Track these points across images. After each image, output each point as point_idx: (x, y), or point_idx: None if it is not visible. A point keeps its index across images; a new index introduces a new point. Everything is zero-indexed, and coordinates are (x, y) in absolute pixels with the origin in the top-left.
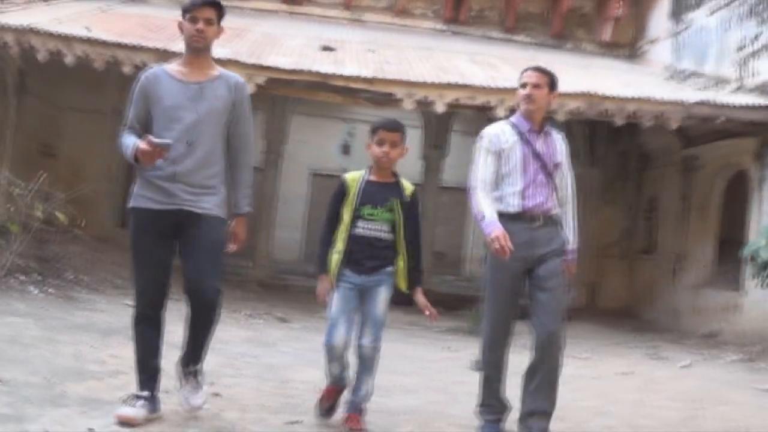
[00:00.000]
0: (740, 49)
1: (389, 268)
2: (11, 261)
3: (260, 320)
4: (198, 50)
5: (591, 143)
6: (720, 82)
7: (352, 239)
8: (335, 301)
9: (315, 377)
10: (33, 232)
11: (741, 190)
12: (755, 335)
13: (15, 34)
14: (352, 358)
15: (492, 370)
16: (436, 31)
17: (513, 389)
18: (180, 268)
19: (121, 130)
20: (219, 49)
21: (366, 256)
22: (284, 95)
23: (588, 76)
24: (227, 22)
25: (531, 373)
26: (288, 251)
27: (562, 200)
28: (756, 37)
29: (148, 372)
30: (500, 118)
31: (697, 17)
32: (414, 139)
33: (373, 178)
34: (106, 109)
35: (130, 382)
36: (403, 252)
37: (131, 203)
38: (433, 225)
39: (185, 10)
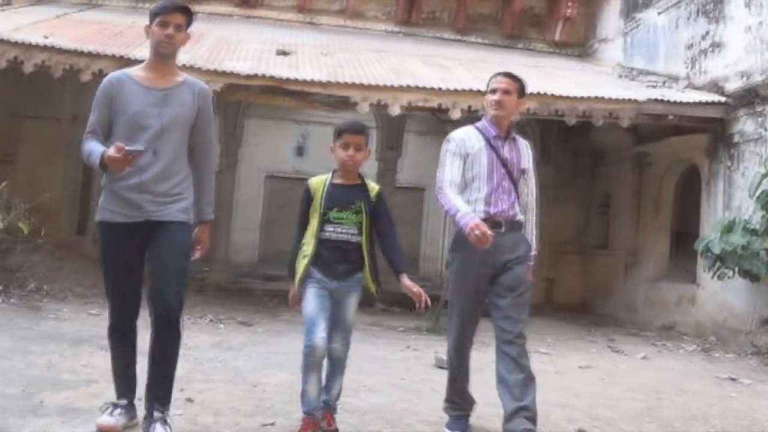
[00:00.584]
0: (690, 47)
1: (359, 275)
2: None
3: (223, 325)
4: (165, 56)
5: (543, 141)
6: (670, 79)
7: (321, 243)
8: (310, 301)
9: (284, 380)
10: None
11: (694, 185)
12: (711, 326)
13: None
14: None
15: (458, 369)
16: (388, 33)
17: (476, 385)
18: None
19: (84, 136)
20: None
21: (336, 260)
22: (239, 99)
23: (540, 76)
24: None
25: (505, 377)
26: (245, 254)
27: (525, 207)
28: (705, 36)
29: (124, 381)
30: (455, 120)
31: (648, 16)
32: (370, 140)
33: (338, 181)
34: (63, 116)
35: (104, 390)
36: (367, 256)
37: (98, 217)
38: None
39: (154, 14)
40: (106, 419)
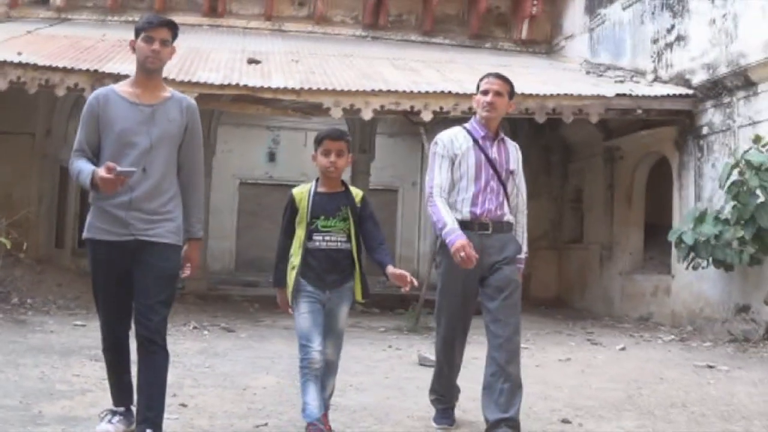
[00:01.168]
0: (655, 41)
1: (350, 283)
2: None
3: (207, 332)
4: (151, 71)
5: (514, 139)
6: (637, 74)
7: (310, 253)
8: (303, 316)
9: (271, 383)
10: None
11: (666, 177)
12: (687, 316)
13: None
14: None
15: (445, 366)
16: (356, 37)
17: (459, 381)
18: None
19: (72, 155)
20: None
21: (325, 270)
22: (212, 108)
23: (508, 74)
24: None
25: (491, 384)
26: (220, 261)
27: (515, 208)
28: (670, 29)
29: (121, 389)
30: (426, 122)
31: (612, 12)
32: (351, 146)
33: (321, 189)
34: (37, 131)
35: (100, 399)
36: (358, 263)
37: (86, 234)
38: None
39: (139, 29)
40: (106, 427)
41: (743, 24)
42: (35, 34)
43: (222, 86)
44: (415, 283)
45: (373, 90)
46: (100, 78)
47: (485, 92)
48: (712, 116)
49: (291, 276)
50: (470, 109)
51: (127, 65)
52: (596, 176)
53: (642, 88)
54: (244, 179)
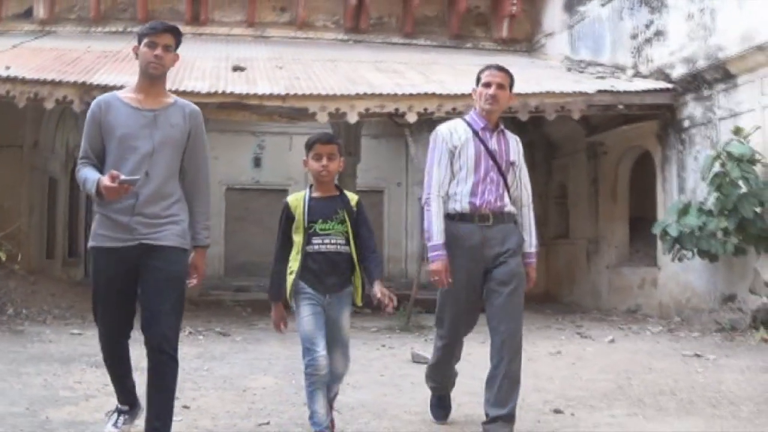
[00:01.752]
0: (634, 36)
1: (349, 288)
2: None
3: (202, 336)
4: (154, 77)
5: None
6: (618, 69)
7: (309, 257)
8: (305, 320)
9: (270, 383)
10: None
11: (649, 171)
12: (675, 307)
13: None
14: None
15: (443, 360)
16: (338, 41)
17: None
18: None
19: (78, 162)
20: (134, 77)
21: (325, 273)
22: None
23: None
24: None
25: (493, 378)
26: (210, 267)
27: (518, 200)
28: (649, 25)
29: (124, 390)
30: (411, 123)
31: (591, 8)
32: (342, 149)
33: (316, 194)
34: (25, 143)
35: (104, 404)
36: (358, 266)
37: (91, 242)
38: None
39: (143, 35)
40: (111, 430)
41: (720, 17)
42: (21, 48)
43: (209, 94)
44: (394, 304)
45: (357, 94)
46: (88, 90)
47: (488, 85)
48: (692, 109)
49: (290, 280)
50: (454, 109)
51: (114, 76)
52: (580, 172)
53: (623, 84)
54: (231, 185)
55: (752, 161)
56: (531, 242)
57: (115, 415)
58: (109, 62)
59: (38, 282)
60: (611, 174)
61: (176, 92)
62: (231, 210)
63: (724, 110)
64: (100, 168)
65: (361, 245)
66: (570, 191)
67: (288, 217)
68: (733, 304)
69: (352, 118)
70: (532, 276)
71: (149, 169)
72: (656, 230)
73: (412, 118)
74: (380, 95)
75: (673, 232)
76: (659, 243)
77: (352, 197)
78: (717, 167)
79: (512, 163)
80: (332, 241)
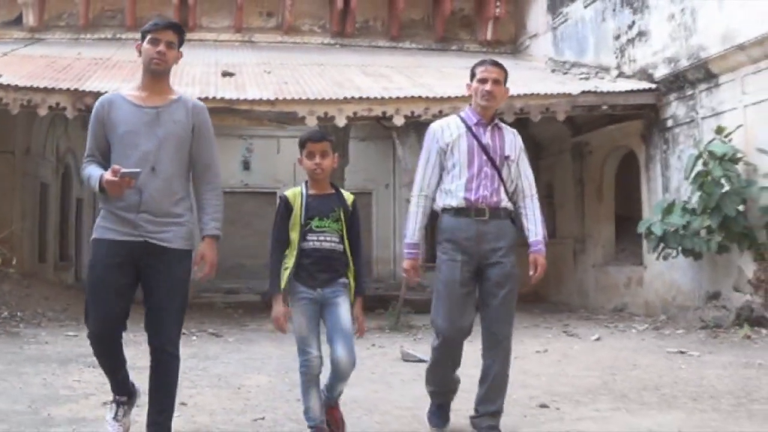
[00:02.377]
0: (617, 37)
1: (343, 279)
2: None
3: (196, 337)
4: (157, 73)
5: None
6: (601, 70)
7: (303, 253)
8: (298, 321)
9: (264, 381)
10: None
11: (634, 170)
12: (660, 305)
13: None
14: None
15: (443, 355)
16: (325, 45)
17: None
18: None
19: (83, 161)
20: (126, 84)
21: (318, 269)
22: None
23: None
24: (127, 55)
25: (485, 377)
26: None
27: (519, 192)
28: (631, 26)
29: (118, 382)
30: (399, 126)
31: (574, 10)
32: (335, 146)
33: (312, 191)
34: (17, 149)
35: (103, 401)
36: (353, 263)
37: (94, 235)
38: None
39: (145, 32)
40: (113, 427)
41: (701, 17)
42: (12, 56)
43: (200, 99)
44: (361, 335)
45: (345, 98)
46: (80, 97)
47: (484, 81)
48: (676, 109)
49: (284, 276)
50: (440, 112)
51: (106, 83)
52: (566, 172)
53: (606, 84)
54: (221, 188)
55: (734, 160)
56: (536, 231)
57: (114, 406)
58: (100, 69)
59: (32, 285)
60: (597, 174)
61: None
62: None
63: (706, 109)
64: (106, 166)
65: (350, 246)
66: (556, 191)
67: (287, 208)
68: (718, 301)
69: (341, 122)
70: (539, 262)
71: (156, 165)
72: (641, 229)
73: (399, 121)
74: (368, 99)
75: (658, 230)
76: (644, 242)
77: (348, 196)
78: (699, 166)
79: (507, 158)
80: (327, 239)
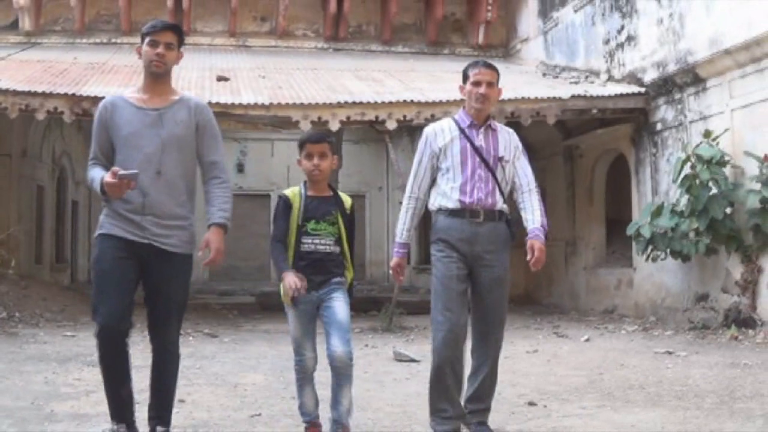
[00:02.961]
0: (607, 42)
1: (338, 278)
2: None
3: (192, 337)
4: (157, 75)
5: None
6: (591, 74)
7: (299, 256)
8: (294, 321)
9: (260, 380)
10: None
11: (624, 173)
12: (650, 307)
13: None
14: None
15: (445, 364)
16: (318, 49)
17: None
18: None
19: (88, 163)
20: (123, 89)
21: (313, 272)
22: None
23: None
24: (123, 60)
25: (475, 376)
26: (196, 271)
27: (516, 190)
28: (620, 30)
29: (120, 402)
30: (388, 130)
31: (564, 14)
32: (335, 148)
33: (311, 193)
34: (13, 152)
35: (103, 398)
36: (349, 265)
37: (99, 231)
38: None
39: (145, 34)
40: None
41: (689, 22)
42: (8, 61)
43: None
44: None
45: (339, 102)
46: (78, 101)
47: (477, 83)
48: (664, 113)
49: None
50: (432, 116)
51: (103, 87)
52: (557, 175)
53: (596, 89)
54: None
55: (721, 163)
56: (533, 219)
57: None
58: (96, 73)
59: (29, 286)
60: (587, 177)
61: None
62: None
63: (694, 113)
64: (110, 168)
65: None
66: (548, 194)
67: (288, 208)
68: (706, 303)
69: (334, 126)
70: (536, 247)
71: (160, 167)
72: (630, 231)
73: (391, 125)
74: (361, 103)
75: (646, 233)
76: (634, 244)
77: (346, 199)
78: (687, 169)
79: (501, 159)
80: (323, 242)
